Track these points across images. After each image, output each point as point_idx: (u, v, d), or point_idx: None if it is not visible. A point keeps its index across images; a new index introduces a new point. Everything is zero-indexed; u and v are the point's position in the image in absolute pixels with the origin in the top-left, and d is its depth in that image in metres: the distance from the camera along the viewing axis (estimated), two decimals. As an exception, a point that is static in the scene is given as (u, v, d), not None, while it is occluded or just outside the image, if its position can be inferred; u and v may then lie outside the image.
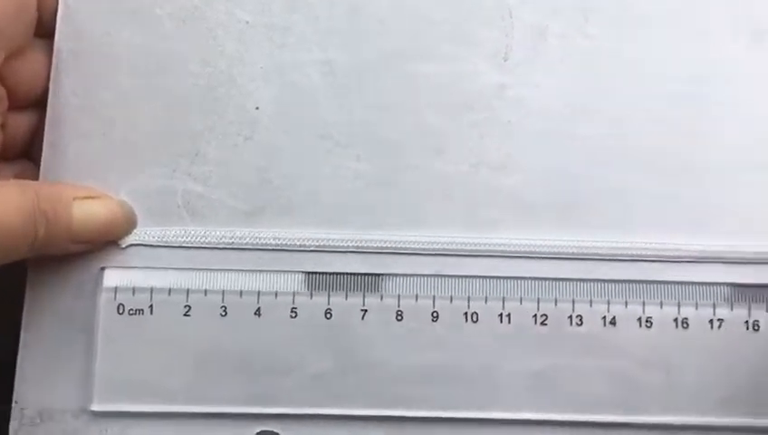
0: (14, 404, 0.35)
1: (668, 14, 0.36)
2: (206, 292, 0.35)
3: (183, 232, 0.35)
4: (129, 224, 0.35)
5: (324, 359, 0.35)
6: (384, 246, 0.35)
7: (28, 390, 0.35)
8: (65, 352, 0.35)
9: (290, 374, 0.35)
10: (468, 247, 0.35)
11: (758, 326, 0.35)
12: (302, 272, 0.35)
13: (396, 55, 0.36)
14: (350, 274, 0.35)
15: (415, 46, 0.36)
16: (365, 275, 0.35)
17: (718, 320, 0.35)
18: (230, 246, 0.35)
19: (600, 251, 0.35)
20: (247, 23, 0.36)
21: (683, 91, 0.36)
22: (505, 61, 0.36)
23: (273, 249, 0.35)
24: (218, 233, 0.35)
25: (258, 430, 0.35)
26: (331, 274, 0.35)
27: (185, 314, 0.35)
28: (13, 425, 0.35)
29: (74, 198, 0.34)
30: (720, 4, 0.36)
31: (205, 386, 0.35)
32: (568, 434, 0.35)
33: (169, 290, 0.35)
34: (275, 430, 0.35)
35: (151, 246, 0.35)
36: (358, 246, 0.35)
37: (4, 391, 0.35)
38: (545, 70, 0.36)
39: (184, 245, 0.35)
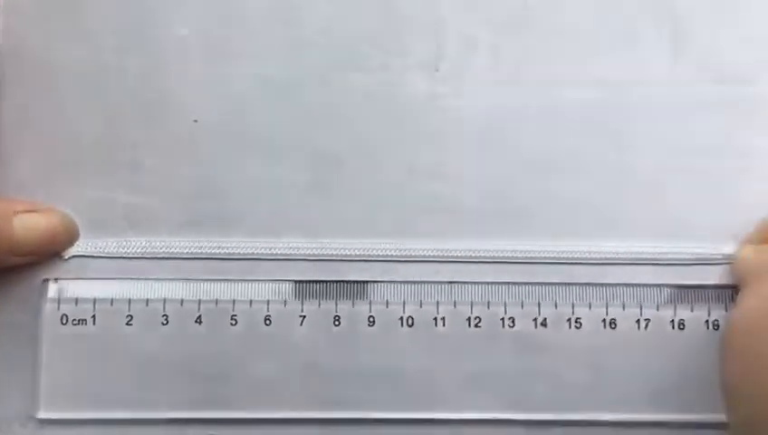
0: (-39, 414, 0.36)
1: (595, 24, 0.37)
2: (147, 301, 0.36)
3: (124, 243, 0.36)
4: (71, 236, 0.36)
5: (265, 364, 0.36)
6: (320, 253, 0.36)
7: (-25, 399, 0.35)
8: (11, 362, 0.36)
9: (231, 379, 0.36)
10: (402, 254, 0.36)
11: (683, 325, 0.36)
12: (242, 280, 0.36)
13: (331, 67, 0.37)
14: (287, 280, 0.36)
15: (349, 58, 0.37)
16: (302, 281, 0.36)
17: (645, 320, 0.36)
18: (171, 256, 0.36)
19: (529, 255, 0.36)
20: (185, 37, 0.37)
21: (610, 97, 0.37)
22: (437, 71, 0.37)
23: (213, 258, 0.36)
24: (159, 243, 0.36)
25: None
26: (268, 281, 0.36)
27: (127, 324, 0.36)
28: (-40, 434, 0.35)
29: (15, 212, 0.34)
30: (644, 12, 0.37)
31: (148, 393, 0.36)
32: (504, 432, 0.36)
33: (111, 300, 0.36)
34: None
35: (93, 257, 0.36)
36: (294, 254, 0.36)
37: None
38: (476, 79, 0.37)
39: (125, 255, 0.36)
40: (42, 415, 0.36)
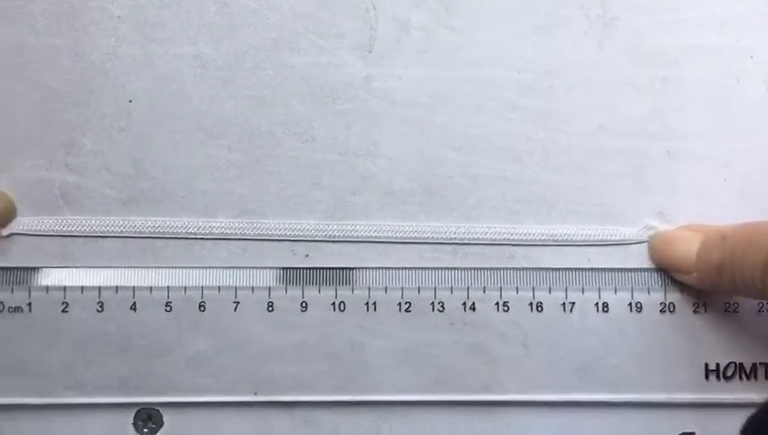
0: None
1: (525, 7, 0.37)
2: (82, 289, 0.36)
3: (61, 221, 0.37)
4: (8, 214, 0.37)
5: (198, 342, 0.36)
6: (258, 233, 0.37)
7: None
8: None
9: (167, 356, 0.36)
10: (335, 233, 0.37)
11: (608, 308, 0.36)
12: (174, 268, 0.37)
13: (264, 48, 0.37)
14: (219, 268, 0.37)
15: (283, 39, 0.37)
16: (236, 268, 0.37)
17: (570, 303, 0.36)
18: (106, 235, 0.37)
19: (459, 236, 0.37)
20: (119, 18, 0.37)
21: (537, 80, 0.37)
22: (370, 53, 0.37)
23: (148, 237, 0.37)
24: (94, 221, 0.37)
25: (138, 409, 0.37)
26: (201, 268, 0.37)
27: (63, 311, 0.36)
28: None
29: (-48, 191, 0.35)
30: (575, -3, 0.37)
31: (85, 376, 0.37)
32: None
33: (47, 288, 0.36)
34: (155, 408, 0.37)
35: (30, 235, 0.37)
36: (231, 234, 0.37)
37: None
38: (408, 61, 0.37)
39: (61, 234, 0.37)
40: (-20, 400, 0.36)
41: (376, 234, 0.37)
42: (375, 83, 0.37)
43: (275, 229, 0.37)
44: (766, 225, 0.32)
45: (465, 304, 0.36)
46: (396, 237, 0.37)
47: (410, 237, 0.37)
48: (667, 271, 0.36)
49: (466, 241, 0.37)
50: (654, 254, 0.36)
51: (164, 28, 0.37)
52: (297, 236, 0.37)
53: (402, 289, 0.37)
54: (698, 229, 0.35)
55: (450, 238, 0.37)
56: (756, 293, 0.32)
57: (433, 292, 0.37)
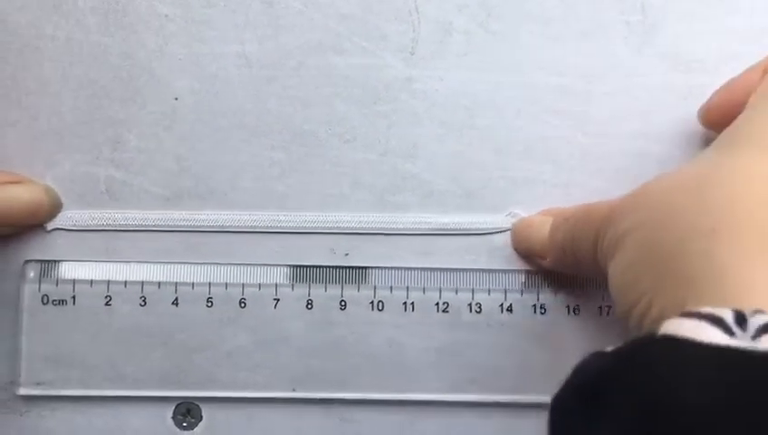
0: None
1: (566, 12, 0.37)
2: (125, 283, 0.37)
3: (105, 215, 0.37)
4: (54, 208, 0.37)
5: (238, 338, 0.37)
6: (295, 225, 0.37)
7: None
8: (-1, 331, 0.37)
9: (209, 355, 0.37)
10: (376, 226, 0.37)
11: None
12: (216, 264, 0.37)
13: (308, 48, 0.38)
14: (260, 265, 0.37)
15: (326, 40, 0.38)
16: (276, 265, 0.37)
17: (607, 307, 0.37)
18: (149, 229, 0.37)
19: (493, 226, 0.37)
20: (166, 16, 0.37)
21: (576, 85, 0.37)
22: (412, 55, 0.37)
23: (190, 230, 0.37)
24: (138, 216, 0.37)
25: (177, 403, 0.37)
26: (242, 265, 0.37)
27: (106, 304, 0.37)
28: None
29: (0, 184, 0.35)
30: (614, 1, 0.37)
31: (126, 369, 0.37)
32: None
33: (91, 282, 0.37)
34: (194, 402, 0.37)
35: (75, 229, 0.37)
36: (271, 227, 0.37)
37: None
38: (449, 64, 0.37)
39: (106, 228, 0.37)
40: (22, 392, 0.37)
41: (415, 226, 0.37)
42: (416, 85, 0.37)
43: (314, 222, 0.37)
44: (598, 205, 0.32)
45: (502, 305, 0.37)
46: (431, 229, 0.37)
47: (448, 229, 0.37)
48: (528, 257, 0.37)
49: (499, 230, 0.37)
50: (514, 240, 0.37)
51: (210, 27, 0.38)
52: (336, 228, 0.37)
53: (440, 289, 0.37)
54: (550, 213, 0.36)
55: (485, 231, 0.37)
56: (592, 268, 0.32)
57: (471, 293, 0.37)
